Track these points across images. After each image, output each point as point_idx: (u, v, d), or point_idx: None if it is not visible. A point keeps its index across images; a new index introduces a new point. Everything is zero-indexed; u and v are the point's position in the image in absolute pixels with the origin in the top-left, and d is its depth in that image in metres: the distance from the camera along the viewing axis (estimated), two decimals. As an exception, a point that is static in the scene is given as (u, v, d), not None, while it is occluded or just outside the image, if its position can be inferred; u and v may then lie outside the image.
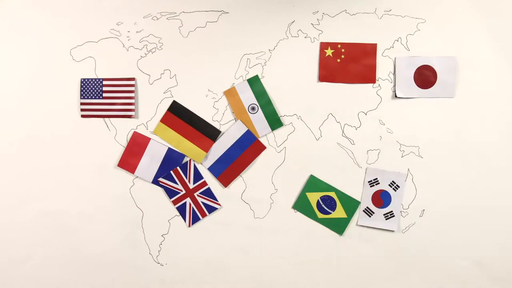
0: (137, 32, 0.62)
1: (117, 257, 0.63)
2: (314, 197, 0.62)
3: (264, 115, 0.62)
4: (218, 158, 0.62)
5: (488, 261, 0.61)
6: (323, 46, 0.62)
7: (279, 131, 0.62)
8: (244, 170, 0.62)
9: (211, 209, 0.62)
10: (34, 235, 0.62)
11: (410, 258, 0.62)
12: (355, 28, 0.61)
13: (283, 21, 0.62)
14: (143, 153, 0.62)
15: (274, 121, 0.62)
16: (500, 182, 0.61)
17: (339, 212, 0.62)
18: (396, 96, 0.62)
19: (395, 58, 0.62)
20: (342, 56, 0.62)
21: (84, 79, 0.62)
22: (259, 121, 0.62)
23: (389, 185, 0.61)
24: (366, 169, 0.61)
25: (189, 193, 0.62)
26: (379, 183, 0.62)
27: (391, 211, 0.62)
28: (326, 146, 0.62)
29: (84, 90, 0.62)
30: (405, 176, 0.61)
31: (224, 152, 0.62)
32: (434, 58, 0.61)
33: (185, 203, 0.62)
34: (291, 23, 0.62)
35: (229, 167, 0.62)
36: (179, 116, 0.62)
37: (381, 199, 0.62)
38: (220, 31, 0.62)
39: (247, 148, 0.62)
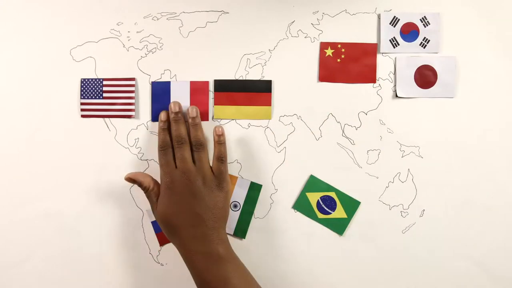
0: (137, 32, 0.62)
1: (117, 257, 0.63)
2: (314, 197, 0.62)
3: (238, 218, 0.62)
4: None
5: (488, 261, 0.61)
6: (323, 46, 0.62)
7: (279, 131, 0.62)
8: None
9: None
10: (34, 235, 0.62)
11: (410, 258, 0.62)
12: (355, 28, 0.61)
13: (283, 21, 0.62)
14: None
15: (241, 230, 0.62)
16: (500, 182, 0.61)
17: (339, 212, 0.62)
18: (397, 96, 0.62)
19: (395, 58, 0.62)
20: (342, 56, 0.62)
21: (84, 79, 0.62)
22: (230, 219, 0.61)
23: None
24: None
25: None
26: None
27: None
28: (326, 146, 0.62)
29: (84, 90, 0.62)
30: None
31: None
32: (434, 58, 0.61)
33: None
34: (291, 23, 0.62)
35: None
36: (226, 90, 0.61)
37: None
38: (220, 31, 0.62)
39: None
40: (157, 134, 0.62)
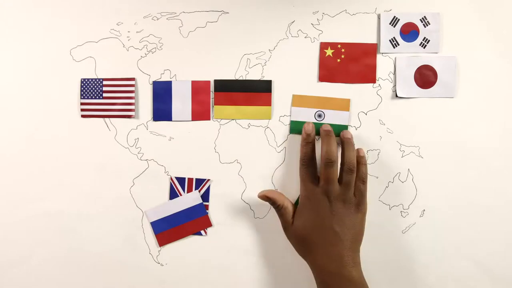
0: (137, 32, 0.62)
1: (117, 257, 0.63)
2: (314, 197, 0.62)
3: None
4: (165, 217, 0.62)
5: (488, 261, 0.61)
6: (323, 46, 0.62)
7: (279, 131, 0.62)
8: (186, 237, 0.62)
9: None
10: (34, 235, 0.62)
11: (410, 258, 0.62)
12: (355, 28, 0.61)
13: (283, 21, 0.62)
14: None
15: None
16: (500, 182, 0.61)
17: (339, 212, 0.62)
18: (397, 96, 0.62)
19: (395, 58, 0.62)
20: (342, 56, 0.62)
21: (84, 79, 0.62)
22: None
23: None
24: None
25: None
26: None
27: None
28: (326, 146, 0.62)
29: (84, 90, 0.62)
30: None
31: (172, 214, 0.62)
32: (434, 58, 0.61)
33: None
34: (291, 23, 0.62)
35: (171, 229, 0.62)
36: (225, 90, 0.62)
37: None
38: (220, 31, 0.62)
39: (194, 219, 0.62)
40: (157, 134, 0.62)
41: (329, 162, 0.55)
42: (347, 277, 0.51)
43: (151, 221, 0.62)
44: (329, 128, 0.58)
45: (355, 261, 0.53)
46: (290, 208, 0.58)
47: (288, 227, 0.57)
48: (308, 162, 0.57)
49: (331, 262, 0.51)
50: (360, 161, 0.57)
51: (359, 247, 0.55)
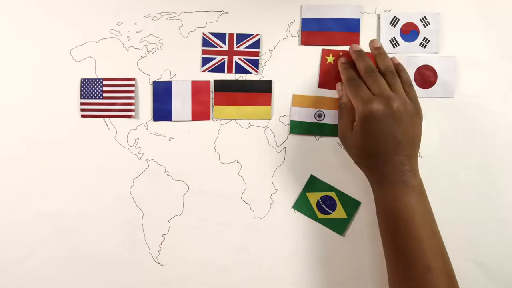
0: (137, 32, 0.62)
1: (117, 257, 0.63)
2: (314, 197, 0.62)
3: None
4: (318, 18, 0.59)
5: (488, 261, 0.61)
6: (325, 53, 0.61)
7: (279, 131, 0.62)
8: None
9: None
10: (34, 235, 0.62)
11: (410, 258, 0.62)
12: (355, 28, 0.61)
13: (283, 21, 0.62)
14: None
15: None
16: (500, 182, 0.61)
17: (339, 212, 0.62)
18: (396, 96, 0.62)
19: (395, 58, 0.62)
20: (343, 60, 0.62)
21: (84, 79, 0.62)
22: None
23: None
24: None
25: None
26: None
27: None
28: (326, 146, 0.62)
29: (84, 90, 0.62)
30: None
31: (326, 18, 0.58)
32: (434, 58, 0.61)
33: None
34: (291, 23, 0.62)
35: (320, 32, 0.59)
36: (225, 90, 0.62)
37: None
38: (220, 31, 0.62)
39: (345, 31, 0.59)
40: (157, 134, 0.62)
41: (372, 72, 0.53)
42: (407, 183, 0.50)
43: (303, 16, 0.59)
44: (358, 47, 0.57)
45: (415, 168, 0.52)
46: (350, 107, 0.56)
47: (346, 134, 0.55)
48: (355, 79, 0.55)
49: (393, 171, 0.50)
50: (398, 68, 0.56)
51: (417, 152, 0.54)
